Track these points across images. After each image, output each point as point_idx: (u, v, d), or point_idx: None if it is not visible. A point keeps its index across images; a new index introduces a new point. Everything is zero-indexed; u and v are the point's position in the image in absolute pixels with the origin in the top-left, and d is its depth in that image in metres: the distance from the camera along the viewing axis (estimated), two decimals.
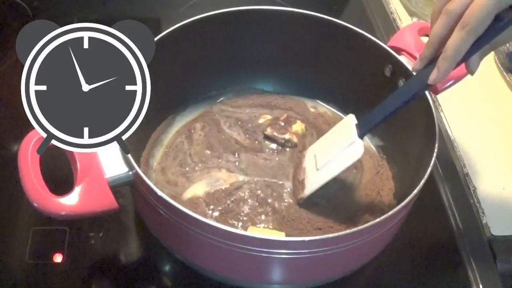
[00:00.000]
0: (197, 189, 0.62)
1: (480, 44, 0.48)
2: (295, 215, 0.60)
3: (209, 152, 0.66)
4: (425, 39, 0.64)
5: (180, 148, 0.67)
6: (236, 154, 0.65)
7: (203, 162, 0.65)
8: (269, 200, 0.61)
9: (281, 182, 0.63)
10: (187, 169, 0.64)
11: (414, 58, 0.62)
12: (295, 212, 0.60)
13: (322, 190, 0.60)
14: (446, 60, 0.49)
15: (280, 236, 0.56)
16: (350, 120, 0.59)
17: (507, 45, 0.84)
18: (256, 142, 0.67)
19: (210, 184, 0.62)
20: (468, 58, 0.50)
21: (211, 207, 0.60)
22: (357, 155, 0.56)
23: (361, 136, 0.56)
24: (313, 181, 0.59)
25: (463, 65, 0.63)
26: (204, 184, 0.62)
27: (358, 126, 0.57)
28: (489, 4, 0.45)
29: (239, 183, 0.63)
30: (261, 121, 0.69)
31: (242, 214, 0.60)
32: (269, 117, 0.70)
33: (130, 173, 0.50)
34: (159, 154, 0.66)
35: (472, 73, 0.53)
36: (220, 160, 0.65)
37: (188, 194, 0.62)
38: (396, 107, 0.54)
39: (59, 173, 0.53)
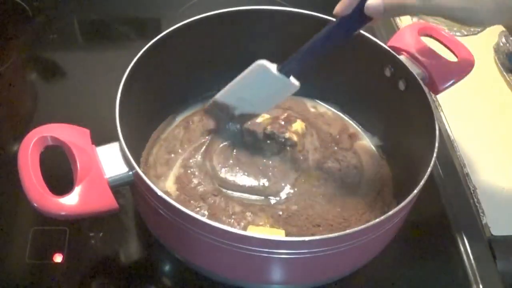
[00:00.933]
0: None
1: None
2: (292, 210, 0.60)
3: (206, 137, 0.67)
4: (425, 39, 0.64)
5: (175, 136, 0.67)
6: (235, 151, 0.65)
7: (193, 142, 0.66)
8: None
9: (282, 184, 0.63)
10: (172, 155, 0.65)
11: (414, 58, 0.62)
12: (292, 207, 0.60)
13: (322, 189, 0.61)
14: None
15: (279, 234, 0.56)
16: (263, 68, 0.58)
17: (507, 45, 0.84)
18: (257, 140, 0.67)
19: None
20: None
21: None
22: (295, 88, 0.58)
23: (287, 75, 0.57)
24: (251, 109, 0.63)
25: (464, 64, 0.63)
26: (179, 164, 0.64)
27: (283, 69, 0.57)
28: None
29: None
30: (259, 119, 0.69)
31: (230, 212, 0.60)
32: (267, 116, 0.70)
33: (130, 173, 0.50)
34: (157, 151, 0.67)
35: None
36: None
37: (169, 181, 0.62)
38: (322, 47, 0.55)
39: (59, 173, 0.53)
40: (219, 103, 0.64)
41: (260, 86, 0.60)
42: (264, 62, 0.57)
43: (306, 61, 0.56)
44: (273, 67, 0.57)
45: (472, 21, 0.51)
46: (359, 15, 0.51)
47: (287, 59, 0.57)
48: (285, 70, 0.57)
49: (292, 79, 0.58)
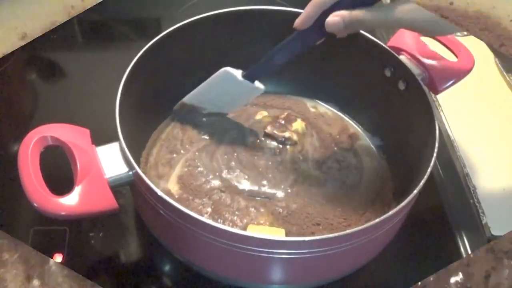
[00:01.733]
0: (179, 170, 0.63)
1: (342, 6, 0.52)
2: (292, 209, 0.60)
3: (207, 137, 0.67)
4: (425, 39, 0.64)
5: (175, 136, 0.67)
6: (236, 152, 0.65)
7: (195, 143, 0.66)
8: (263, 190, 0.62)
9: (282, 186, 0.63)
10: (174, 155, 0.64)
11: (414, 58, 0.62)
12: (292, 205, 0.60)
13: (322, 189, 0.61)
14: (312, 6, 0.54)
15: (280, 232, 0.56)
16: (228, 75, 0.62)
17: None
18: (257, 140, 0.67)
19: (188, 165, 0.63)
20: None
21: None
22: (259, 91, 0.63)
23: (252, 80, 0.62)
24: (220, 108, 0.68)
25: (464, 64, 0.63)
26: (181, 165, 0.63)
27: (246, 76, 0.62)
28: None
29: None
30: (258, 117, 0.69)
31: (234, 207, 0.59)
32: (265, 113, 0.70)
33: (130, 173, 0.50)
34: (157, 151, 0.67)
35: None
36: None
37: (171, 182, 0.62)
38: (286, 58, 0.59)
39: (59, 173, 0.53)
40: (187, 104, 0.67)
41: (226, 90, 0.64)
42: (229, 69, 0.62)
43: (267, 70, 0.61)
44: (238, 73, 0.62)
45: (435, 32, 0.53)
46: (319, 29, 0.55)
47: (250, 67, 0.61)
48: (249, 77, 0.62)
49: (257, 83, 0.63)
